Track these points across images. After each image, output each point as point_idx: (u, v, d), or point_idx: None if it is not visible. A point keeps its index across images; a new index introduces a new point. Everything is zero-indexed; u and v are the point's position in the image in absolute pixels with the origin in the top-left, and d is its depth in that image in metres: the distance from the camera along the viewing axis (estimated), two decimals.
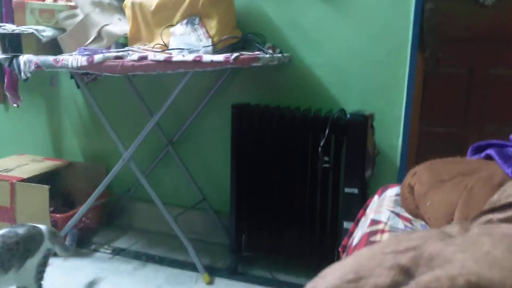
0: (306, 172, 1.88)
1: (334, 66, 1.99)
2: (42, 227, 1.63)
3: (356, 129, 1.79)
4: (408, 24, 1.88)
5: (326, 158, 1.84)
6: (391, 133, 1.98)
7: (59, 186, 2.36)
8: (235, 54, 1.62)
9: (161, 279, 1.94)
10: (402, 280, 0.42)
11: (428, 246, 0.45)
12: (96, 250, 2.18)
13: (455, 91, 2.18)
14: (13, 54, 1.98)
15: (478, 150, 1.11)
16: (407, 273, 0.43)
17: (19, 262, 1.51)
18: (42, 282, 1.61)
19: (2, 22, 2.30)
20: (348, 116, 1.80)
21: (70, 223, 2.07)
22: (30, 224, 1.61)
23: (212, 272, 1.99)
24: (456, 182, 0.93)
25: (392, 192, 1.15)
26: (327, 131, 1.80)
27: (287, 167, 1.90)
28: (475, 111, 2.16)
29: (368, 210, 1.17)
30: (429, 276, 0.41)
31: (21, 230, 1.54)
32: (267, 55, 1.76)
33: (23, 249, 1.51)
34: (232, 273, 1.99)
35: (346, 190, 1.82)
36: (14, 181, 2.10)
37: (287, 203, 1.92)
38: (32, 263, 1.55)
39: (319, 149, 1.81)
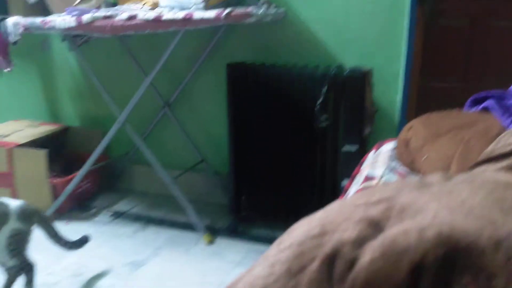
0: (305, 131, 1.86)
1: (330, 21, 1.93)
2: (13, 205, 1.52)
3: (355, 86, 1.76)
4: None
5: (324, 116, 1.81)
6: (391, 89, 1.94)
7: (57, 151, 2.34)
8: (227, 10, 1.57)
9: (161, 240, 1.95)
10: (369, 234, 0.40)
11: (401, 197, 0.42)
12: (96, 214, 2.19)
13: (456, 44, 2.11)
14: (1, 16, 1.93)
15: (476, 102, 1.08)
16: (376, 226, 0.40)
17: None
18: (26, 257, 1.56)
19: None
20: (346, 72, 1.76)
21: (69, 187, 2.07)
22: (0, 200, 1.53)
23: (213, 232, 1.99)
24: (452, 135, 0.90)
25: (388, 147, 1.13)
26: (325, 88, 1.76)
27: (285, 126, 1.87)
28: (476, 64, 2.11)
29: (363, 166, 1.15)
30: (397, 229, 0.38)
31: None
32: (260, 11, 1.71)
33: None
34: (232, 233, 2.00)
35: (345, 148, 1.80)
36: (11, 146, 2.09)
37: (286, 163, 1.90)
38: None
39: (317, 107, 1.78)
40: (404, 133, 1.03)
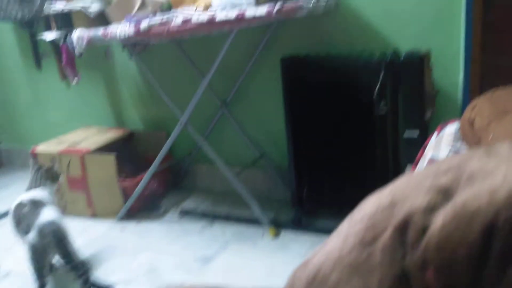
0: (364, 119, 1.84)
1: (382, 5, 1.90)
2: (41, 219, 1.61)
3: (412, 71, 1.72)
4: None
5: (382, 104, 1.78)
6: (451, 70, 1.87)
7: (125, 155, 2.46)
8: (278, 6, 1.58)
9: (228, 235, 2.00)
10: (440, 201, 0.40)
11: (470, 164, 0.42)
12: (165, 213, 2.28)
13: None
14: (66, 30, 2.05)
15: None
16: (446, 193, 0.41)
17: None
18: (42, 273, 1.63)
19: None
20: (402, 57, 1.72)
21: (138, 188, 2.17)
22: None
23: (277, 226, 2.02)
24: None
25: (451, 128, 1.10)
26: (381, 75, 1.74)
27: (343, 116, 1.86)
28: None
29: (426, 149, 1.13)
30: (467, 193, 0.39)
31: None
32: (311, 3, 1.70)
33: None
34: (297, 226, 2.01)
35: (406, 134, 1.77)
36: (83, 153, 2.21)
37: (346, 152, 1.89)
38: None
39: (375, 94, 1.75)
40: (468, 112, 1.00)
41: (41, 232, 1.58)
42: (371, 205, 0.46)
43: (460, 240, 0.37)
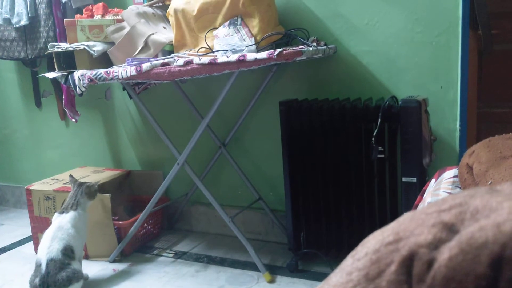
0: (362, 164, 1.84)
1: (381, 53, 1.94)
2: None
3: (410, 116, 1.73)
4: (457, 2, 1.80)
5: (380, 148, 1.79)
6: (448, 117, 1.90)
7: (120, 195, 2.44)
8: (278, 50, 1.62)
9: (223, 279, 1.96)
10: (445, 237, 0.40)
11: (473, 201, 0.42)
12: (159, 255, 2.24)
13: None
14: (68, 71, 2.07)
15: None
16: (450, 229, 0.40)
17: None
18: None
19: (56, 41, 2.42)
20: (400, 102, 1.74)
21: (132, 229, 2.14)
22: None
23: (273, 270, 1.98)
24: None
25: (449, 174, 1.10)
26: (379, 120, 1.75)
27: (341, 160, 1.87)
28: None
29: (425, 195, 1.12)
30: (473, 227, 0.38)
31: None
32: (311, 48, 1.74)
33: None
34: (293, 271, 1.98)
35: (404, 179, 1.77)
36: None
37: (344, 197, 1.88)
38: None
39: (372, 139, 1.76)
40: (466, 158, 1.01)
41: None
42: (375, 241, 0.46)
43: (468, 273, 0.36)
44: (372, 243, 0.46)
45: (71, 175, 2.03)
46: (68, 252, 1.83)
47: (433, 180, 1.18)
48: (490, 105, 2.08)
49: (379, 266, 0.43)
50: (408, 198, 1.76)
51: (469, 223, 0.40)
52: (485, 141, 1.01)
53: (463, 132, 1.90)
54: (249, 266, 2.03)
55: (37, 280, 1.76)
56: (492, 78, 2.06)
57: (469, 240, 0.38)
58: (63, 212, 1.92)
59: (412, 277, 0.40)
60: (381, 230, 0.48)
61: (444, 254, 0.38)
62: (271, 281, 1.91)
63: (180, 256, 2.21)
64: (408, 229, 0.44)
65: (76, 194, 1.96)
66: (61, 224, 1.87)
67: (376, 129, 1.75)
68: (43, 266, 1.77)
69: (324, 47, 1.89)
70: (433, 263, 0.39)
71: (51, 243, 1.81)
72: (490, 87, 2.07)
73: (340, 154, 1.86)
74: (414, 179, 1.74)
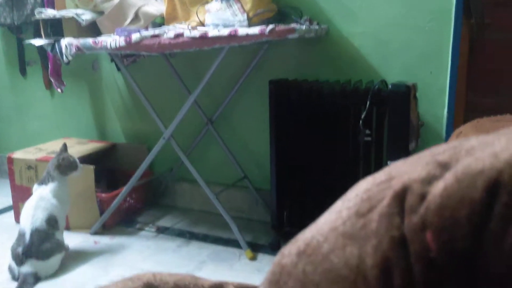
0: (348, 147, 1.84)
1: (373, 36, 1.93)
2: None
3: (399, 100, 1.73)
4: None
5: (367, 131, 1.79)
6: (436, 104, 1.91)
7: (104, 167, 2.41)
8: (271, 26, 1.60)
9: (205, 255, 1.96)
10: (439, 173, 0.39)
11: (468, 142, 0.41)
12: (141, 229, 2.23)
13: (504, 58, 2.06)
14: (55, 38, 2.03)
15: None
16: (445, 167, 0.39)
17: None
18: None
19: (44, 8, 2.36)
20: (390, 86, 1.74)
21: (115, 202, 2.12)
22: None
23: (255, 248, 1.99)
24: None
25: None
26: (368, 103, 1.75)
27: (328, 142, 1.86)
28: None
29: None
30: (469, 159, 0.38)
31: None
32: (304, 27, 1.73)
33: None
34: (275, 249, 1.99)
35: (390, 163, 1.77)
36: None
37: (329, 178, 1.89)
38: None
39: (360, 122, 1.76)
40: (453, 139, 1.01)
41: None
42: (366, 183, 0.45)
43: (463, 199, 0.35)
44: (363, 185, 0.45)
45: (64, 144, 1.98)
46: (52, 222, 1.81)
47: None
48: (479, 94, 2.09)
49: (370, 203, 0.42)
50: None
51: (463, 159, 0.39)
52: (473, 122, 1.01)
53: (450, 119, 1.91)
54: (232, 243, 2.03)
55: (19, 249, 1.75)
56: (482, 68, 2.07)
57: (465, 169, 0.37)
58: (42, 184, 1.89)
59: (405, 209, 0.39)
60: (371, 175, 0.47)
61: (439, 185, 0.37)
62: (253, 259, 1.92)
63: (162, 231, 2.20)
64: (401, 169, 0.43)
65: (48, 165, 1.92)
66: (43, 195, 1.85)
67: (365, 112, 1.75)
68: (27, 236, 1.76)
69: (317, 27, 1.88)
70: (426, 195, 0.38)
71: (34, 212, 1.79)
72: (480, 77, 2.07)
73: (327, 136, 1.86)
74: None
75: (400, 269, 0.37)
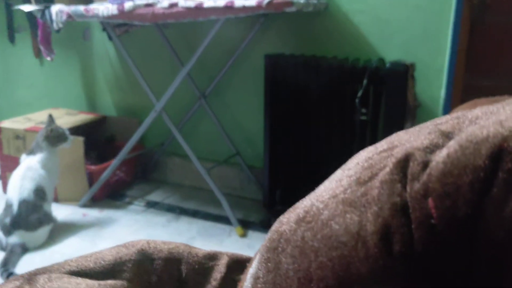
0: (343, 125, 1.82)
1: (372, 13, 1.89)
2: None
3: (396, 79, 1.70)
4: None
5: (364, 110, 1.76)
6: (434, 84, 1.88)
7: (94, 140, 2.37)
8: None
9: (194, 231, 1.94)
10: (442, 143, 0.38)
11: (471, 113, 0.41)
12: (130, 203, 2.20)
13: (505, 41, 2.03)
14: (45, 5, 1.96)
15: None
16: (448, 135, 0.39)
17: None
18: None
19: None
20: (388, 65, 1.71)
21: (105, 174, 2.09)
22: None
23: (245, 225, 1.98)
24: None
25: None
26: (365, 81, 1.72)
27: (323, 120, 1.84)
28: None
29: None
30: (473, 127, 0.37)
31: None
32: (302, 0, 1.68)
33: None
34: (266, 227, 1.97)
35: None
36: None
37: (323, 157, 1.86)
38: None
39: (357, 100, 1.73)
40: None
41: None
42: (367, 152, 0.44)
43: (466, 165, 0.35)
44: (364, 154, 0.45)
45: (49, 115, 1.94)
46: (40, 194, 1.78)
47: None
48: (477, 77, 2.06)
49: (372, 171, 0.41)
50: None
51: (467, 128, 0.37)
52: (471, 102, 0.98)
53: (447, 100, 1.88)
54: (222, 219, 2.02)
55: (7, 220, 1.72)
56: (481, 50, 2.03)
57: (469, 136, 0.36)
58: (30, 154, 1.85)
59: (407, 176, 0.38)
60: (373, 145, 0.46)
61: (442, 152, 0.37)
62: (243, 235, 1.91)
63: (152, 205, 2.18)
64: (403, 138, 0.42)
65: (37, 136, 1.87)
66: (31, 165, 1.81)
67: (361, 91, 1.72)
68: (15, 207, 1.73)
69: (316, 1, 1.83)
70: (429, 163, 0.37)
71: (22, 182, 1.76)
72: (479, 59, 2.04)
73: (322, 114, 1.83)
74: None
75: (400, 235, 0.37)
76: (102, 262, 0.65)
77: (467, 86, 2.00)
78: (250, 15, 1.67)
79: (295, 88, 1.84)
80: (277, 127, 1.91)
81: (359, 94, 1.73)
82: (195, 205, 2.18)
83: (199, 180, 2.18)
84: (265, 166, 1.96)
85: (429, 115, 1.89)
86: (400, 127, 1.70)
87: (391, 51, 1.90)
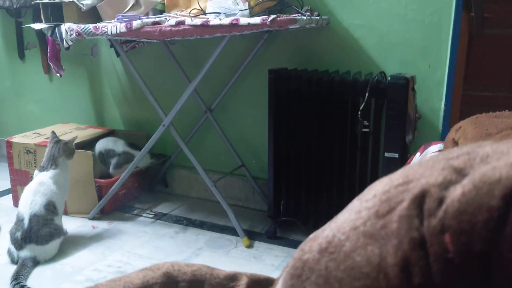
0: (345, 137, 1.86)
1: (373, 28, 1.94)
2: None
3: (397, 92, 1.75)
4: None
5: (365, 122, 1.81)
6: (433, 97, 1.92)
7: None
8: (272, 16, 1.60)
9: (202, 242, 1.98)
10: (455, 179, 0.41)
11: (483, 149, 0.44)
12: (138, 215, 2.25)
13: (502, 53, 2.08)
14: (55, 23, 2.02)
15: None
16: (460, 172, 0.42)
17: None
18: None
19: None
20: (389, 78, 1.76)
21: (113, 188, 2.14)
22: None
23: (251, 236, 2.02)
24: (504, 135, 0.90)
25: (434, 148, 1.12)
26: (366, 94, 1.77)
27: (326, 132, 1.88)
28: None
29: None
30: (485, 168, 0.40)
31: None
32: (305, 17, 1.73)
33: None
34: (271, 237, 2.01)
35: (386, 154, 1.79)
36: None
37: (326, 168, 1.91)
38: None
39: (358, 113, 1.78)
40: (452, 133, 1.03)
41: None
42: (383, 184, 0.47)
43: (480, 205, 0.37)
44: (381, 186, 0.47)
45: (53, 132, 2.00)
46: (51, 208, 1.82)
47: (418, 154, 1.21)
48: (476, 88, 2.10)
49: (390, 204, 0.44)
50: (389, 173, 1.78)
51: (479, 167, 0.41)
52: (473, 117, 1.03)
53: (447, 112, 1.93)
54: (228, 230, 2.06)
55: (18, 234, 1.76)
56: (480, 62, 2.08)
57: (482, 177, 0.39)
58: (43, 170, 1.90)
59: (424, 212, 0.41)
60: (387, 176, 0.49)
61: (457, 190, 0.39)
62: (249, 246, 1.95)
63: (160, 217, 2.22)
64: (417, 173, 0.45)
65: (53, 152, 1.91)
66: (43, 180, 1.86)
67: (363, 103, 1.77)
68: (26, 221, 1.77)
69: (318, 17, 1.88)
70: (444, 200, 0.40)
71: (33, 197, 1.80)
72: (477, 71, 2.09)
73: (325, 126, 1.87)
74: (396, 155, 1.77)
75: (419, 268, 0.39)
76: (131, 286, 0.69)
77: (466, 98, 2.05)
78: (254, 32, 1.72)
79: (298, 101, 1.89)
80: (281, 140, 1.96)
81: (361, 106, 1.77)
82: (202, 216, 2.22)
83: (205, 191, 2.23)
84: (269, 178, 2.01)
85: (429, 127, 1.93)
86: (401, 139, 1.75)
87: (391, 64, 1.95)
